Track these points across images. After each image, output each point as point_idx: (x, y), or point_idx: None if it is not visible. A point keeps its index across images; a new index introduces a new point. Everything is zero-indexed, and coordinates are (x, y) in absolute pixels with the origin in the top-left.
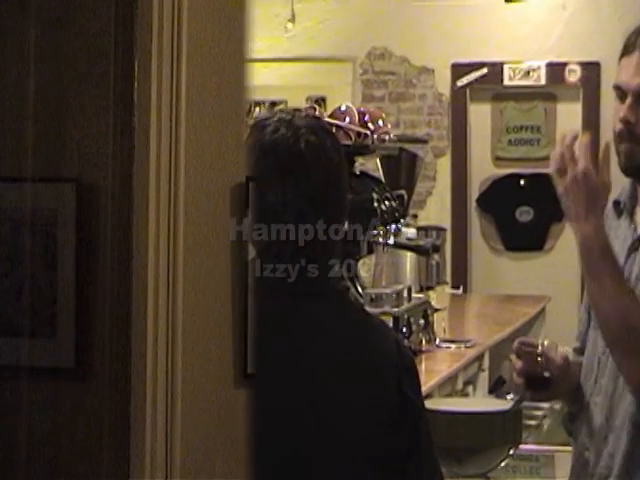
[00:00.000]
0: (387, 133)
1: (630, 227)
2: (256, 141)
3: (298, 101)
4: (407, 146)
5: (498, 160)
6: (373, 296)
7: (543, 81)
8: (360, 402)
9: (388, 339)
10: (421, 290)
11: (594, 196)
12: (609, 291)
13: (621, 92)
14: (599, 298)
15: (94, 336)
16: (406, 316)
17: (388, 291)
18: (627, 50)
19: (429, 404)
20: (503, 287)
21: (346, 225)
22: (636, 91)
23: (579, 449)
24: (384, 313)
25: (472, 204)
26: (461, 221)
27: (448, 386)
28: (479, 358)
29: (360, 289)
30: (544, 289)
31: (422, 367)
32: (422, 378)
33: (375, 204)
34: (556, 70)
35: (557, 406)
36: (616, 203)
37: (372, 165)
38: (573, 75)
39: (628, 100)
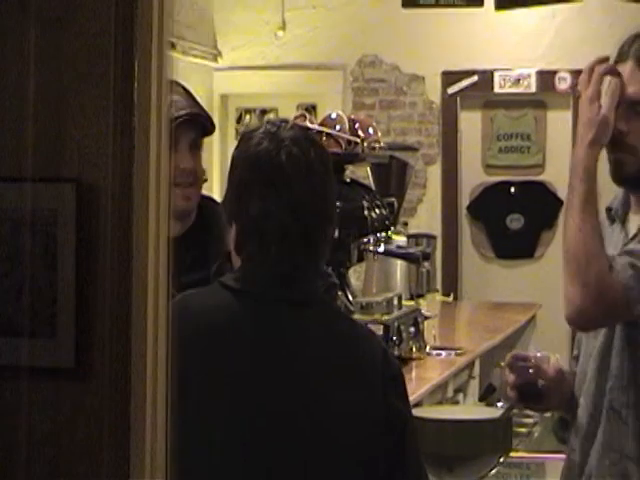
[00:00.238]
0: (377, 141)
1: (622, 233)
2: (241, 153)
3: (288, 109)
4: (397, 154)
5: (488, 168)
6: (363, 304)
7: (533, 89)
8: (344, 410)
9: (374, 348)
10: (411, 298)
11: (593, 123)
12: (576, 212)
13: None
14: (567, 217)
15: (94, 336)
16: (396, 324)
17: (378, 299)
18: (620, 58)
19: (419, 412)
20: (494, 294)
21: (335, 233)
22: (628, 100)
23: (567, 452)
24: (374, 321)
25: (463, 212)
26: (452, 229)
27: (438, 394)
28: (469, 366)
29: (350, 297)
30: (535, 296)
31: (412, 375)
32: (412, 386)
33: (365, 212)
34: (546, 78)
35: (547, 413)
36: (608, 210)
37: (362, 173)
38: (563, 83)
39: (620, 109)
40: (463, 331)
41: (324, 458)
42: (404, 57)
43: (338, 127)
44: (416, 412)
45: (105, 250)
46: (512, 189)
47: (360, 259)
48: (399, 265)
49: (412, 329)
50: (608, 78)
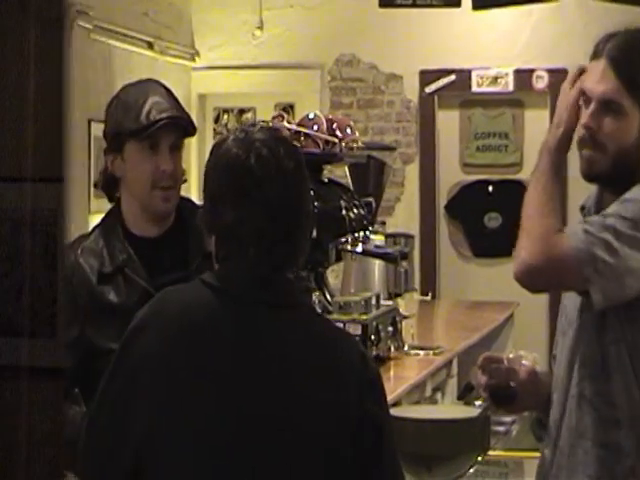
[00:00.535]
0: (355, 141)
1: None
2: (212, 165)
3: (266, 108)
4: (375, 153)
5: (466, 166)
6: (342, 304)
7: (511, 87)
8: (321, 412)
9: (352, 351)
10: (389, 297)
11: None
12: (537, 175)
13: (586, 97)
14: (530, 180)
15: None
16: (375, 323)
17: (356, 299)
18: (595, 55)
19: (398, 411)
20: (472, 293)
21: (313, 233)
22: (600, 98)
23: (542, 448)
24: (353, 321)
25: (440, 210)
26: (429, 227)
27: (417, 393)
28: (448, 365)
29: (329, 297)
30: (512, 295)
31: (391, 374)
32: (390, 385)
33: (343, 212)
34: (523, 77)
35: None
36: (582, 208)
37: (341, 172)
38: (540, 81)
39: (591, 106)
40: (441, 330)
41: (302, 458)
42: (382, 56)
43: (316, 127)
44: (394, 412)
45: None
46: (490, 188)
47: (338, 259)
48: (377, 265)
49: (390, 328)
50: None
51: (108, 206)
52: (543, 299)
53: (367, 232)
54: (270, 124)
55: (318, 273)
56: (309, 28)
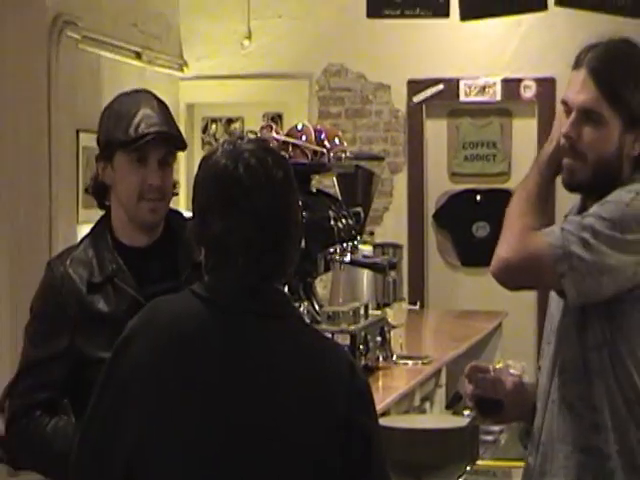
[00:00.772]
0: (343, 151)
1: None
2: (200, 177)
3: (254, 118)
4: (363, 163)
5: (454, 176)
6: (330, 314)
7: (499, 97)
8: (309, 422)
9: (340, 361)
10: (378, 307)
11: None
12: (522, 184)
13: (567, 107)
14: (518, 188)
15: None
16: (363, 333)
17: (345, 309)
18: (576, 65)
19: (387, 421)
20: (460, 303)
21: (302, 243)
22: (580, 108)
23: (526, 456)
24: (341, 331)
25: (429, 220)
26: (418, 237)
27: (405, 403)
28: (436, 374)
29: (317, 307)
30: (501, 304)
31: (379, 384)
32: (379, 395)
33: (332, 222)
34: (511, 86)
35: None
36: (566, 217)
37: (329, 182)
38: (528, 91)
39: (572, 116)
40: (430, 340)
41: (290, 469)
42: (370, 66)
43: (304, 138)
44: (383, 421)
45: None
46: (478, 197)
47: (327, 269)
48: (365, 274)
49: (379, 338)
50: None
51: (96, 217)
52: (531, 309)
53: (355, 242)
54: (258, 134)
55: (306, 283)
56: (297, 38)
